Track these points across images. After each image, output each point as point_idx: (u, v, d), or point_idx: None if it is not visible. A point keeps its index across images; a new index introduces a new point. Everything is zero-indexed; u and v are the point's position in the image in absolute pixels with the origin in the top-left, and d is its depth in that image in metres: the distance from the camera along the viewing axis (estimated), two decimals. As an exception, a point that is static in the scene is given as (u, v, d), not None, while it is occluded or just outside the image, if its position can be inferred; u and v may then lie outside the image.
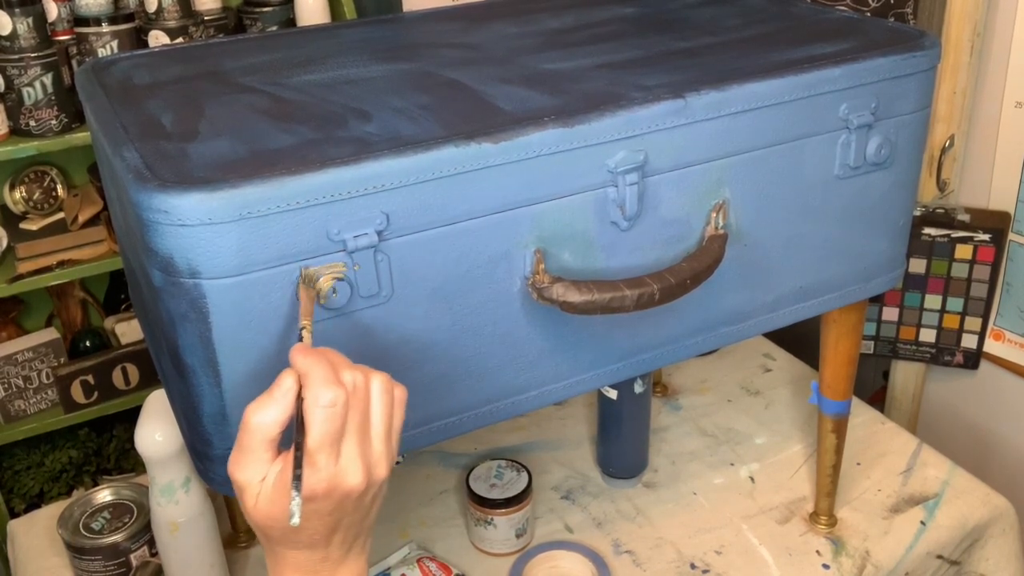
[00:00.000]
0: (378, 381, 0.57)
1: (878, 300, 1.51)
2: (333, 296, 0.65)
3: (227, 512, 1.10)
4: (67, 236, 1.70)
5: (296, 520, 0.52)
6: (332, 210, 0.63)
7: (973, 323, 1.48)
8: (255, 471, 0.55)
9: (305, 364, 0.55)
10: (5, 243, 1.70)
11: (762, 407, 1.32)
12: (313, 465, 0.54)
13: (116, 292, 1.95)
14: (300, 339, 0.59)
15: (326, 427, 0.54)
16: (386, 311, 0.68)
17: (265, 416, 0.54)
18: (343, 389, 0.54)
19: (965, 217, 1.43)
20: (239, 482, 0.55)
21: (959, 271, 1.45)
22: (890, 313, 1.51)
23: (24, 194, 1.77)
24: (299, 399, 0.55)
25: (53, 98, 1.58)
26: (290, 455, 0.55)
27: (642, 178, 0.74)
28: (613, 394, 1.11)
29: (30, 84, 1.56)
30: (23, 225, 1.74)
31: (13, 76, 1.55)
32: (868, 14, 1.41)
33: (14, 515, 1.71)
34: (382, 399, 0.57)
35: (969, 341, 1.49)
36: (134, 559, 1.01)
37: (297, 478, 0.53)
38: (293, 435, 0.54)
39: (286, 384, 0.55)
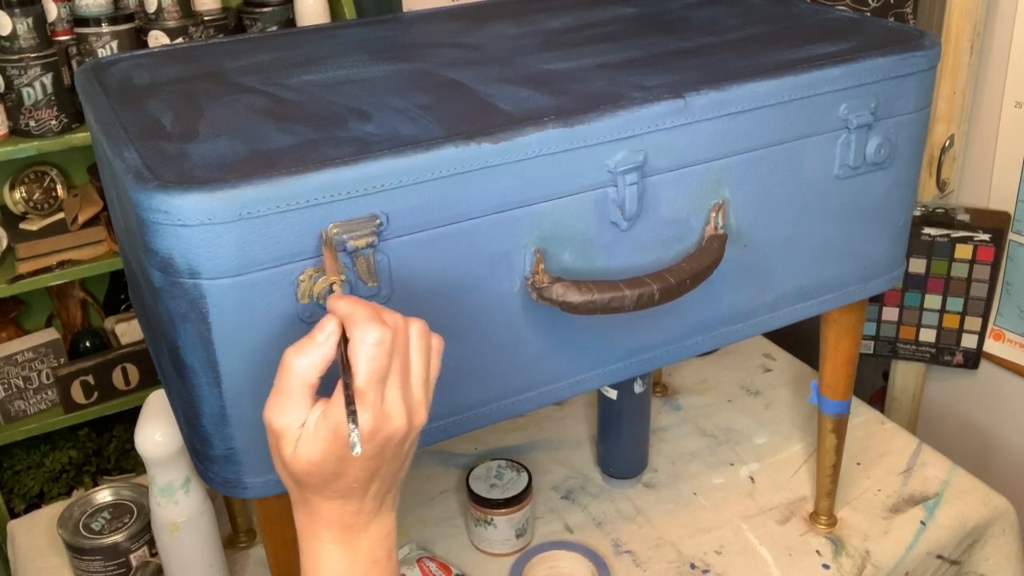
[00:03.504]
0: (416, 327, 0.56)
1: (878, 300, 1.51)
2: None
3: (227, 512, 1.10)
4: (67, 236, 1.70)
5: (358, 449, 0.52)
6: (332, 210, 0.63)
7: (973, 323, 1.48)
8: (294, 416, 0.54)
9: (348, 307, 0.54)
10: (5, 243, 1.71)
11: (762, 407, 1.32)
12: (361, 404, 0.53)
13: (116, 292, 1.95)
14: (332, 292, 0.59)
15: (374, 364, 0.53)
16: (386, 311, 0.68)
17: (306, 360, 0.54)
18: (389, 328, 0.54)
19: (965, 217, 1.43)
20: (277, 427, 0.54)
21: (959, 271, 1.45)
22: (890, 313, 1.51)
23: (24, 194, 1.77)
24: (341, 344, 0.54)
25: (53, 98, 1.58)
26: (328, 400, 0.54)
27: (642, 178, 0.74)
28: (613, 394, 1.11)
29: (30, 84, 1.56)
30: (23, 225, 1.74)
31: (13, 76, 1.55)
32: (868, 14, 1.41)
33: (14, 515, 1.71)
34: (420, 343, 0.56)
35: (969, 341, 1.49)
36: (134, 559, 1.01)
37: (352, 412, 0.52)
38: (340, 376, 0.53)
39: (329, 327, 0.54)
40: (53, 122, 1.59)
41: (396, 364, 0.55)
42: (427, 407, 0.57)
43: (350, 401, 0.53)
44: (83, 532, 1.01)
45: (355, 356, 0.53)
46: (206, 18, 1.77)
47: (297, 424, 0.54)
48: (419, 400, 0.56)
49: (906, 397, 1.60)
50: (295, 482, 0.56)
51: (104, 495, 1.06)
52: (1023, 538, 1.17)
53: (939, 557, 1.10)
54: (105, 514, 1.04)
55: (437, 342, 0.58)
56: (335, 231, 0.63)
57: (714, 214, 0.79)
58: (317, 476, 0.55)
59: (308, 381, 0.54)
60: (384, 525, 0.59)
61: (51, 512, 1.16)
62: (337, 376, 0.54)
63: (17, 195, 1.76)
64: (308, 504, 0.57)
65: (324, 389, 0.55)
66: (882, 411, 1.42)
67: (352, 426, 0.52)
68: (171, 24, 1.68)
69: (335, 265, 0.63)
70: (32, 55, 1.54)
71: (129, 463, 1.87)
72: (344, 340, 0.55)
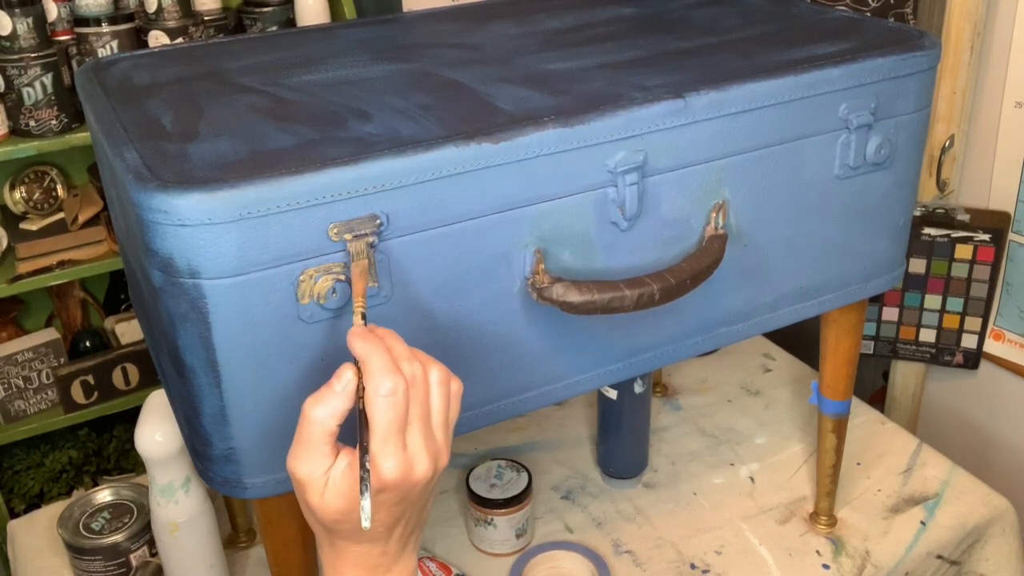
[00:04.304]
0: (436, 371, 0.57)
1: (878, 300, 1.51)
2: (332, 296, 0.65)
3: (227, 512, 1.10)
4: (67, 236, 1.71)
5: (367, 523, 0.52)
6: (332, 210, 0.63)
7: (973, 323, 1.48)
8: (318, 465, 0.55)
9: (364, 350, 0.55)
10: (5, 243, 1.71)
11: (762, 407, 1.32)
12: (382, 454, 0.54)
13: (116, 292, 1.95)
14: (356, 322, 0.59)
15: (389, 415, 0.54)
16: (386, 311, 0.68)
17: (324, 409, 0.55)
18: (402, 377, 0.54)
19: (965, 217, 1.43)
20: (301, 477, 0.55)
21: (959, 271, 1.45)
22: (890, 313, 1.51)
23: (24, 194, 1.77)
24: (359, 392, 0.55)
25: (53, 98, 1.58)
26: (354, 450, 0.55)
27: (642, 178, 0.74)
28: (613, 394, 1.11)
29: (30, 84, 1.56)
30: (23, 225, 1.74)
31: (13, 76, 1.55)
32: (868, 14, 1.41)
33: (14, 515, 1.71)
34: (440, 389, 0.57)
35: (969, 341, 1.49)
36: (134, 559, 1.01)
37: (363, 479, 0.53)
38: (357, 432, 0.54)
39: (346, 377, 0.55)
40: (53, 122, 1.59)
41: (416, 410, 0.55)
42: (449, 449, 0.58)
43: (363, 465, 0.53)
44: (83, 532, 1.01)
45: (370, 408, 0.54)
46: (206, 18, 1.77)
47: (320, 472, 0.55)
48: (441, 443, 0.57)
49: (906, 397, 1.60)
50: (323, 527, 0.57)
51: (104, 495, 1.06)
52: (1023, 538, 1.17)
53: (939, 557, 1.10)
54: (105, 514, 1.04)
55: (456, 386, 0.59)
56: (344, 233, 0.63)
57: (714, 214, 0.79)
58: (345, 523, 0.56)
59: (328, 430, 0.55)
60: (407, 566, 0.60)
61: (51, 512, 1.16)
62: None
63: (17, 195, 1.77)
64: (335, 547, 0.58)
65: (348, 433, 0.56)
66: (882, 411, 1.42)
67: (363, 495, 0.53)
68: (171, 24, 1.68)
69: (362, 286, 0.62)
70: (32, 55, 1.54)
71: (129, 463, 1.87)
72: (363, 387, 0.55)
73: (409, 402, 0.55)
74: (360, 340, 0.55)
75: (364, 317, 0.60)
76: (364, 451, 0.53)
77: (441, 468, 0.57)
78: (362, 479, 0.53)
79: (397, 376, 0.54)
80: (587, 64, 0.83)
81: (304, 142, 0.67)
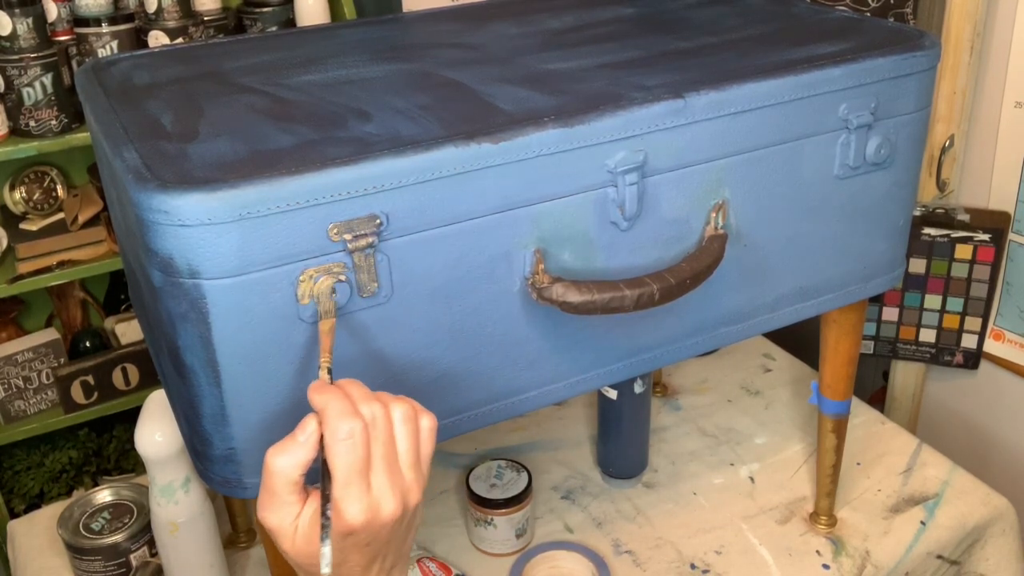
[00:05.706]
0: (399, 409, 0.57)
1: (878, 300, 1.51)
2: (332, 296, 0.65)
3: (227, 512, 1.10)
4: (67, 236, 1.71)
5: (327, 570, 0.52)
6: (332, 210, 0.63)
7: (973, 323, 1.48)
8: (285, 513, 0.56)
9: (321, 401, 0.56)
10: (5, 243, 1.71)
11: (762, 407, 1.32)
12: (345, 499, 0.54)
13: (116, 292, 1.95)
14: (321, 376, 0.60)
15: (348, 459, 0.54)
16: (386, 311, 0.68)
17: (286, 459, 0.55)
18: (359, 420, 0.55)
19: (965, 217, 1.43)
20: (271, 526, 0.56)
21: (959, 271, 1.45)
22: (890, 313, 1.51)
23: (24, 194, 1.77)
24: (322, 442, 0.55)
25: (53, 98, 1.58)
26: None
27: (642, 178, 0.74)
28: (613, 394, 1.11)
29: (30, 84, 1.56)
30: (23, 225, 1.74)
31: (13, 76, 1.55)
32: (868, 14, 1.41)
33: (14, 515, 1.71)
34: (405, 427, 0.57)
35: (969, 341, 1.49)
36: (134, 559, 1.01)
37: (324, 527, 0.53)
38: (320, 481, 0.55)
39: (309, 427, 0.55)
40: (53, 122, 1.59)
41: (379, 450, 0.55)
42: (421, 486, 0.58)
43: (324, 513, 0.54)
44: (83, 532, 1.01)
45: (330, 454, 0.54)
46: (206, 18, 1.77)
47: (289, 520, 0.56)
48: (410, 482, 0.57)
49: (906, 397, 1.60)
50: (301, 568, 0.58)
51: (104, 495, 1.06)
52: (1023, 538, 1.17)
53: (939, 557, 1.10)
54: (105, 514, 1.04)
55: (429, 421, 0.58)
56: (344, 233, 0.63)
57: (714, 214, 0.79)
58: (317, 565, 0.56)
59: (291, 480, 0.55)
60: None
61: (51, 512, 1.16)
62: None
63: (17, 195, 1.77)
64: None
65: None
66: (882, 411, 1.42)
67: (323, 543, 0.53)
68: (171, 24, 1.68)
69: (328, 343, 0.62)
70: (32, 55, 1.54)
71: (129, 463, 1.87)
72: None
73: (371, 443, 0.55)
74: (317, 392, 0.56)
75: (330, 372, 0.60)
76: (326, 499, 0.54)
77: (412, 505, 0.57)
78: (323, 527, 0.53)
79: (354, 419, 0.54)
80: (587, 64, 0.83)
81: (304, 142, 0.67)
